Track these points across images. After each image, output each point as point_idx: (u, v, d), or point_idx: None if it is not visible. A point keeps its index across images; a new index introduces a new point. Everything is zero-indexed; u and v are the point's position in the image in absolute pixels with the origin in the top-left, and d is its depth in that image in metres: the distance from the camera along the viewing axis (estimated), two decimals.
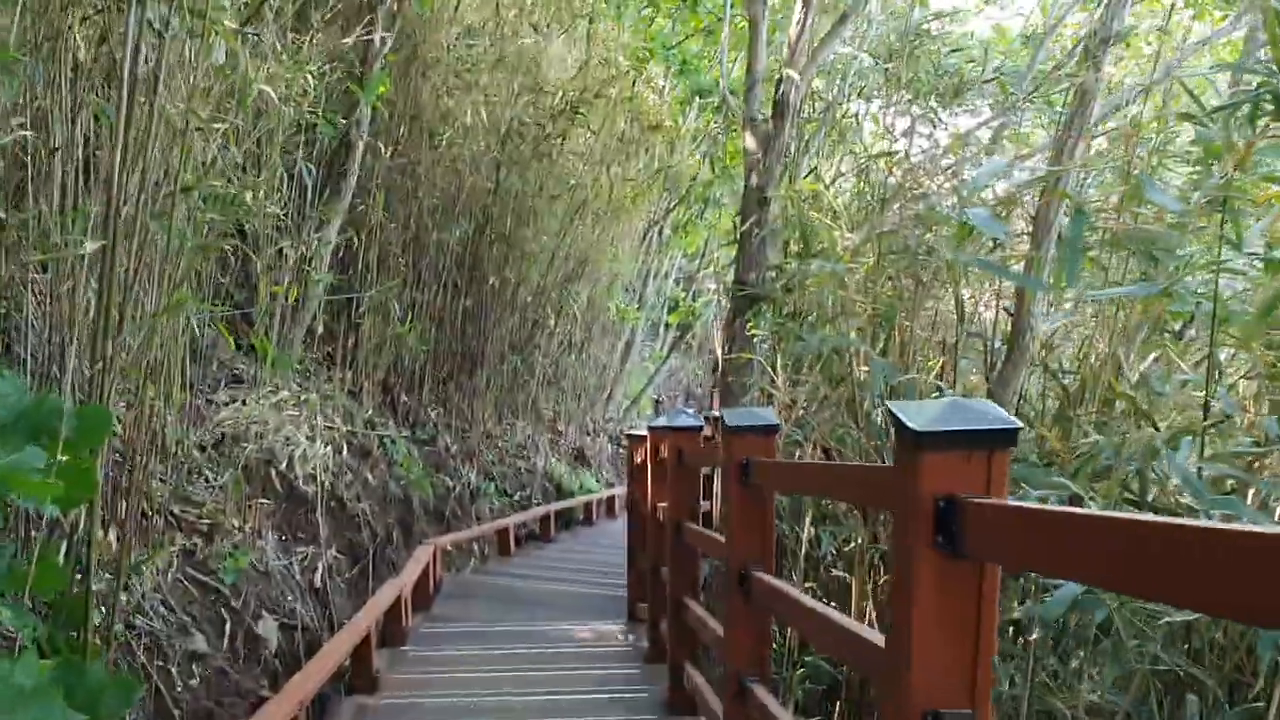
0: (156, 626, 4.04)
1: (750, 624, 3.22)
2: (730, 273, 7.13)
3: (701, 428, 4.88)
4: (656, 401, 17.07)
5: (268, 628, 4.99)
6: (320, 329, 7.47)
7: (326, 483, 6.36)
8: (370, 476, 7.69)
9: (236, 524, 5.31)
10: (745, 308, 6.22)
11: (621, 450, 13.72)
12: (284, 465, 5.95)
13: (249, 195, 4.20)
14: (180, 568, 4.69)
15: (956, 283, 4.39)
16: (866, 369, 4.52)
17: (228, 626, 4.68)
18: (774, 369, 5.20)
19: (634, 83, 10.50)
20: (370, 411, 8.22)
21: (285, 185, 6.37)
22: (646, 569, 5.84)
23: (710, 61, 11.95)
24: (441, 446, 9.42)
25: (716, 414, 7.72)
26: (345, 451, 7.26)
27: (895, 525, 1.75)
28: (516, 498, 10.24)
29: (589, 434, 13.62)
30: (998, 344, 4.62)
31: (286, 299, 6.91)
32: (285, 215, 6.39)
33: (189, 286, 4.13)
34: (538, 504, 10.54)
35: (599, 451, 13.79)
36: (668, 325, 17.51)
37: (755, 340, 6.09)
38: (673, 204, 13.21)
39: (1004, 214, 3.45)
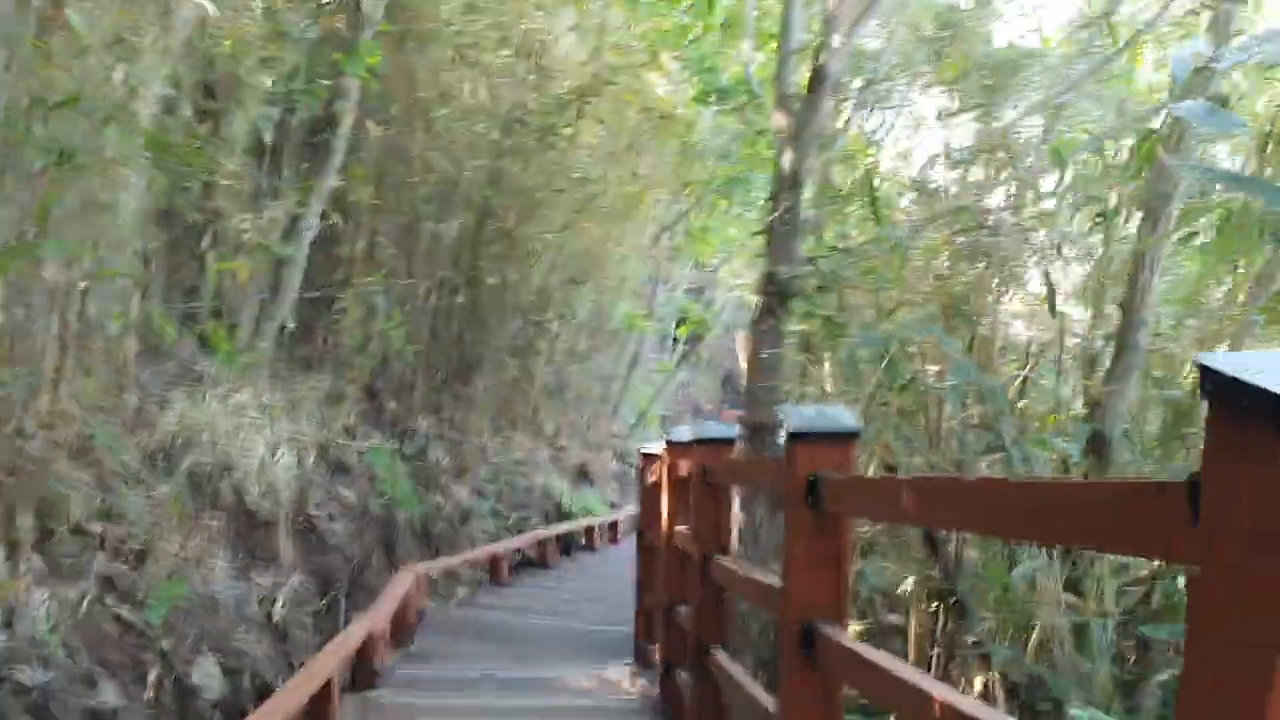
0: (48, 678, 3.21)
1: (816, 697, 2.39)
2: (758, 267, 6.32)
3: (734, 440, 4.03)
4: (663, 417, 16.22)
5: (206, 672, 4.16)
6: (295, 324, 6.65)
7: (292, 498, 5.53)
8: (348, 492, 6.85)
9: (177, 545, 4.48)
10: (776, 305, 5.40)
11: (628, 468, 12.85)
12: (240, 477, 5.14)
13: (192, 141, 3.41)
14: (98, 599, 3.87)
15: (1047, 261, 3.58)
16: (936, 368, 3.71)
17: (153, 673, 3.84)
18: (816, 371, 4.38)
19: (647, 73, 9.73)
20: (351, 419, 7.39)
21: (255, 150, 5.60)
22: (658, 608, 4.99)
23: (729, 57, 11.19)
24: (432, 460, 8.57)
25: (738, 428, 6.87)
26: (319, 464, 6.44)
27: (1205, 615, 0.91)
28: (512, 520, 9.37)
29: (592, 450, 12.76)
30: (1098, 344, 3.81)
31: (264, 293, 6.13)
32: (253, 184, 5.60)
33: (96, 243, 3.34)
34: (536, 526, 9.68)
35: (603, 469, 12.93)
36: (676, 338, 16.70)
37: (788, 342, 5.28)
38: (686, 208, 12.43)
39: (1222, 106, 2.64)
